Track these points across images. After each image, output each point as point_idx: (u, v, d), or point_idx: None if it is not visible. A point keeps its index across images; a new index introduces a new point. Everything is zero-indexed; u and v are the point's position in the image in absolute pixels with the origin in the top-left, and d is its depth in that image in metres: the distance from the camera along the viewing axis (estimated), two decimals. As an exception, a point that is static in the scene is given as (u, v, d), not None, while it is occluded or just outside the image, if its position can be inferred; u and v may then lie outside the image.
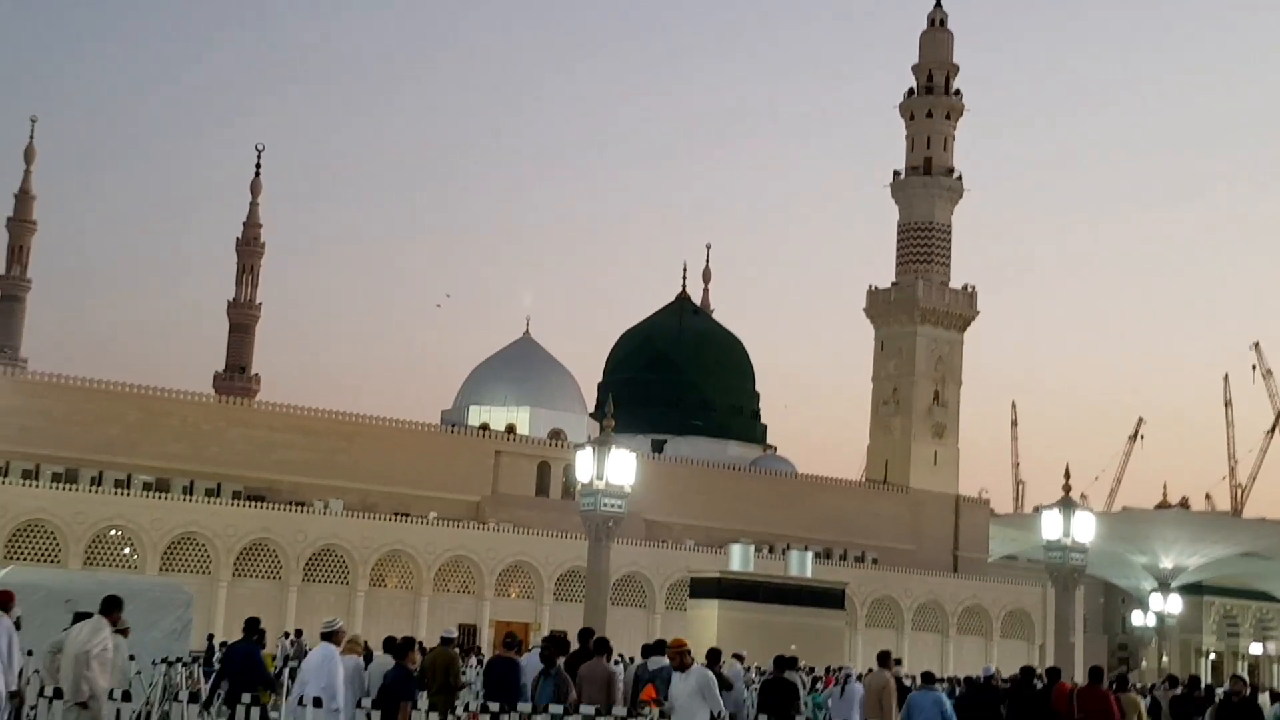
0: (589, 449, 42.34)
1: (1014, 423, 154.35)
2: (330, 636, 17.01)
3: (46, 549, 62.96)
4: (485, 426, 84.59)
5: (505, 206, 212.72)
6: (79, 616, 16.20)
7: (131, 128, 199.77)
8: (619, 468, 41.93)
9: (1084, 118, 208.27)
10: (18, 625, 16.26)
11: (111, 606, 15.93)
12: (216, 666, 27.64)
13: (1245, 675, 22.05)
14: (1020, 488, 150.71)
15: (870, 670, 25.85)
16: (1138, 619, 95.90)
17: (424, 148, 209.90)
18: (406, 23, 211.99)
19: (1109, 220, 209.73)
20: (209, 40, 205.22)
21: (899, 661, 28.10)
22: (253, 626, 18.68)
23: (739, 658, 28.61)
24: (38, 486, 64.29)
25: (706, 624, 56.52)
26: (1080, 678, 47.03)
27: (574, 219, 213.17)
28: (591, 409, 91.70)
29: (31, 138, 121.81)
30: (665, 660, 21.54)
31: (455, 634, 19.99)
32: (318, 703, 16.00)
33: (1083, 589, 77.53)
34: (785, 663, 21.98)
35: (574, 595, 68.50)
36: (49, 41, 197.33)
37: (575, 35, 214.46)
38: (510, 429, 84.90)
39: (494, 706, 16.60)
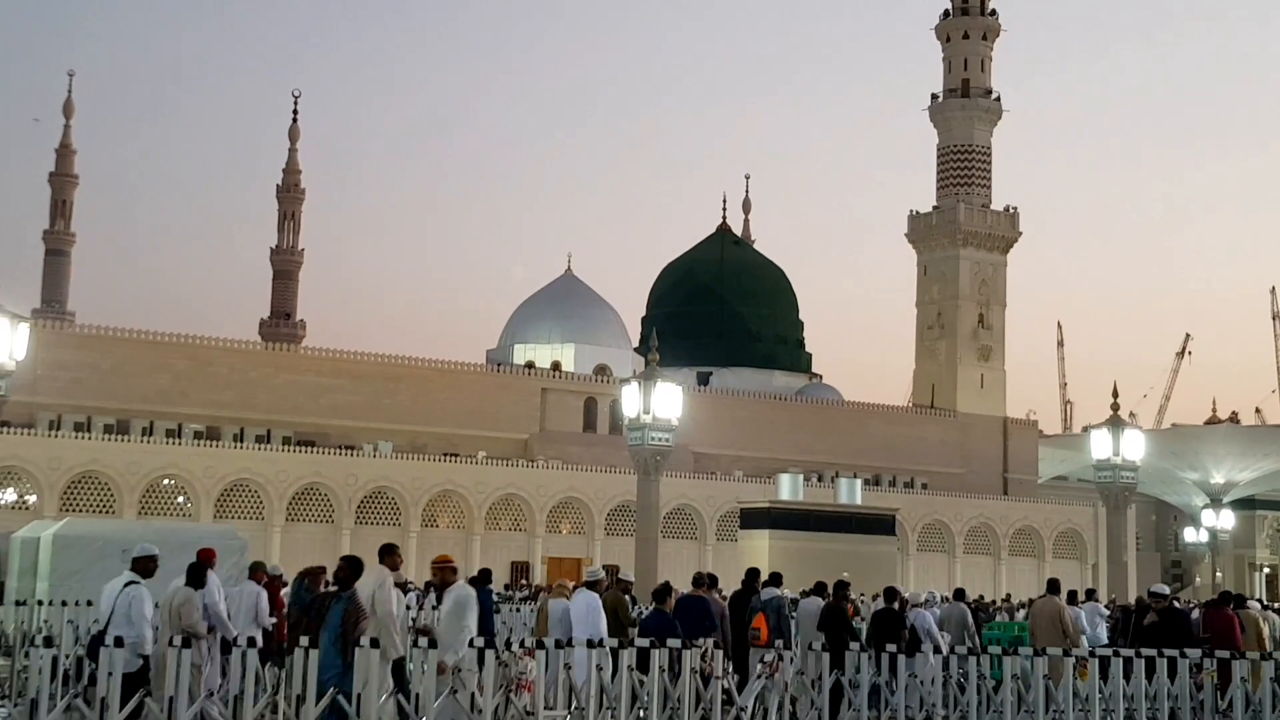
0: (634, 384, 42.34)
1: (1060, 343, 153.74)
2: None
3: (101, 500, 63.75)
4: (531, 364, 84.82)
5: (543, 143, 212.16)
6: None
7: (168, 78, 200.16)
8: (665, 401, 41.94)
9: (1124, 34, 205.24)
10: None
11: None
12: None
13: (1165, 589, 20.62)
14: (1068, 408, 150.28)
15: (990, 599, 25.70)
16: (1190, 536, 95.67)
17: (461, 87, 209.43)
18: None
19: (1150, 136, 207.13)
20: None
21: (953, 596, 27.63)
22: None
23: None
24: (90, 438, 65.00)
25: (758, 554, 56.50)
26: (1134, 596, 46.96)
27: (613, 154, 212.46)
28: (636, 344, 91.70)
29: (70, 92, 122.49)
30: (777, 590, 21.68)
31: (601, 575, 19.77)
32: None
33: (1134, 507, 77.26)
34: (843, 587, 21.95)
35: (625, 530, 68.81)
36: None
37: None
38: (555, 366, 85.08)
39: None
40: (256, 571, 19.18)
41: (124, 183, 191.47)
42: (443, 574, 15.78)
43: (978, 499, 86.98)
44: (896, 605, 21.85)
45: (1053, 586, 23.62)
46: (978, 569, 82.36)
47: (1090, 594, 33.16)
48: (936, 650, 19.44)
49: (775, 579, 22.01)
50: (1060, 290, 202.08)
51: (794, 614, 22.31)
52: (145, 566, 15.60)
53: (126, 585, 15.36)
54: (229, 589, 17.74)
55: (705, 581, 20.04)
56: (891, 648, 18.61)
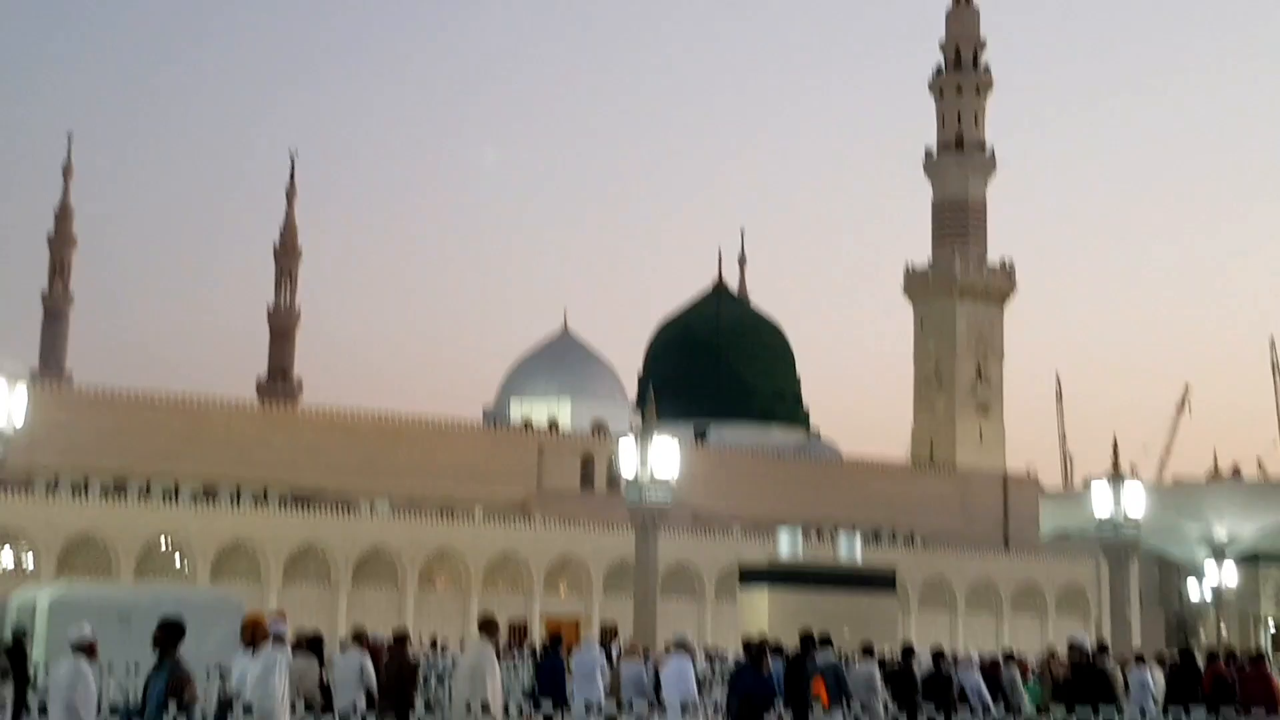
0: (632, 440, 42.17)
1: (1059, 396, 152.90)
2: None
3: (98, 562, 63.29)
4: (528, 422, 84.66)
5: (538, 199, 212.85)
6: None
7: (166, 140, 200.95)
8: (663, 458, 41.76)
9: (1118, 86, 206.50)
10: None
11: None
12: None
13: (1084, 641, 19.97)
14: (1068, 462, 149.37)
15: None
16: (1194, 591, 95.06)
17: (456, 144, 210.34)
18: (435, 20, 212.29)
19: (1146, 187, 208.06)
20: (240, 48, 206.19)
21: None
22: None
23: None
24: (87, 500, 64.69)
25: (757, 611, 56.22)
26: (1137, 651, 46.50)
27: (607, 210, 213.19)
28: (632, 400, 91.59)
29: (69, 154, 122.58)
30: (831, 652, 21.40)
31: (687, 638, 19.85)
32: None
33: (1137, 563, 76.27)
34: (815, 641, 21.43)
35: (623, 588, 68.26)
36: (82, 58, 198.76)
37: (604, 24, 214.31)
38: (552, 423, 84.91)
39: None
40: (359, 637, 19.32)
41: (122, 244, 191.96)
42: (253, 633, 14.89)
43: (979, 555, 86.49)
44: (944, 665, 21.66)
45: (1099, 648, 23.51)
46: (980, 626, 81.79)
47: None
48: (986, 710, 19.37)
49: (828, 641, 21.75)
50: (1058, 343, 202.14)
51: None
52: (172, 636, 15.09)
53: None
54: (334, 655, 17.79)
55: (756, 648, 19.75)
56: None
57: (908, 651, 21.86)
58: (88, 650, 13.49)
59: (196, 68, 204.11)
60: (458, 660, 19.78)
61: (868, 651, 22.16)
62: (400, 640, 18.61)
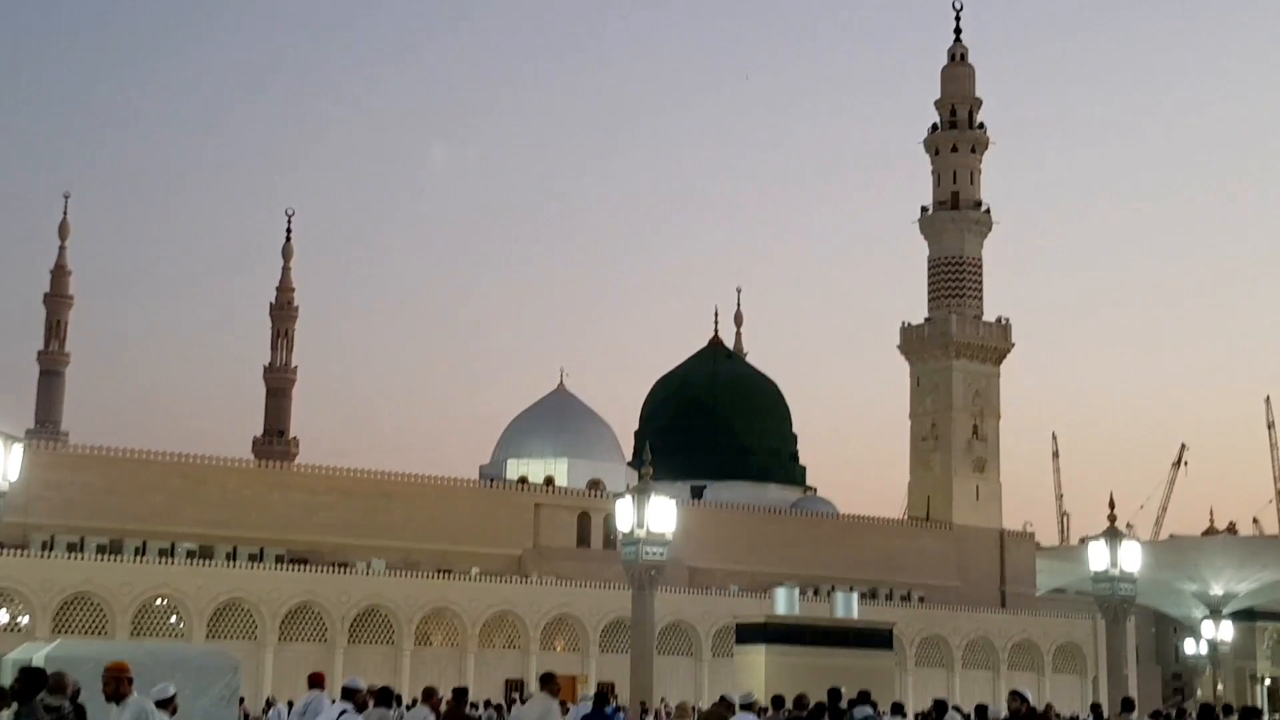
0: (628, 498, 42.24)
1: (1055, 454, 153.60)
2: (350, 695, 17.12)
3: (94, 620, 63.20)
4: (524, 480, 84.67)
5: (534, 259, 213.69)
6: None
7: (161, 199, 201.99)
8: (659, 515, 41.81)
9: (1113, 144, 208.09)
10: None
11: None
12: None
13: (1026, 693, 19.66)
14: (1065, 519, 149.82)
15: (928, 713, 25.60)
16: (1190, 648, 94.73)
17: (452, 204, 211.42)
18: (430, 82, 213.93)
19: (1142, 246, 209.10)
20: (237, 107, 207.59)
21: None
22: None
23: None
24: (82, 559, 64.62)
25: (754, 669, 56.10)
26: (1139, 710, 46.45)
27: (604, 269, 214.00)
28: (629, 458, 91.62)
29: (65, 213, 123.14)
30: (869, 709, 21.60)
31: (754, 698, 20.40)
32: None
33: (1133, 619, 76.75)
34: (840, 696, 21.90)
35: (620, 646, 68.28)
36: (78, 118, 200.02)
37: (599, 83, 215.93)
38: (549, 481, 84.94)
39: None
40: (432, 697, 19.96)
41: (118, 303, 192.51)
42: (117, 684, 14.20)
43: (976, 612, 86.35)
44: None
45: (1127, 705, 23.51)
46: (977, 683, 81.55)
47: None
48: None
49: (864, 697, 21.98)
50: (1055, 401, 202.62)
51: None
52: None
53: (341, 714, 16.13)
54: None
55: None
56: None
57: (940, 706, 22.02)
58: (169, 707, 14.33)
59: (192, 127, 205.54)
60: (518, 715, 20.47)
61: (896, 711, 22.40)
62: (460, 695, 19.07)
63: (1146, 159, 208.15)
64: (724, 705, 19.68)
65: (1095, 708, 24.70)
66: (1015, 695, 18.25)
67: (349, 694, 16.76)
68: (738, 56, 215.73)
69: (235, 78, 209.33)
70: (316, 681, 18.17)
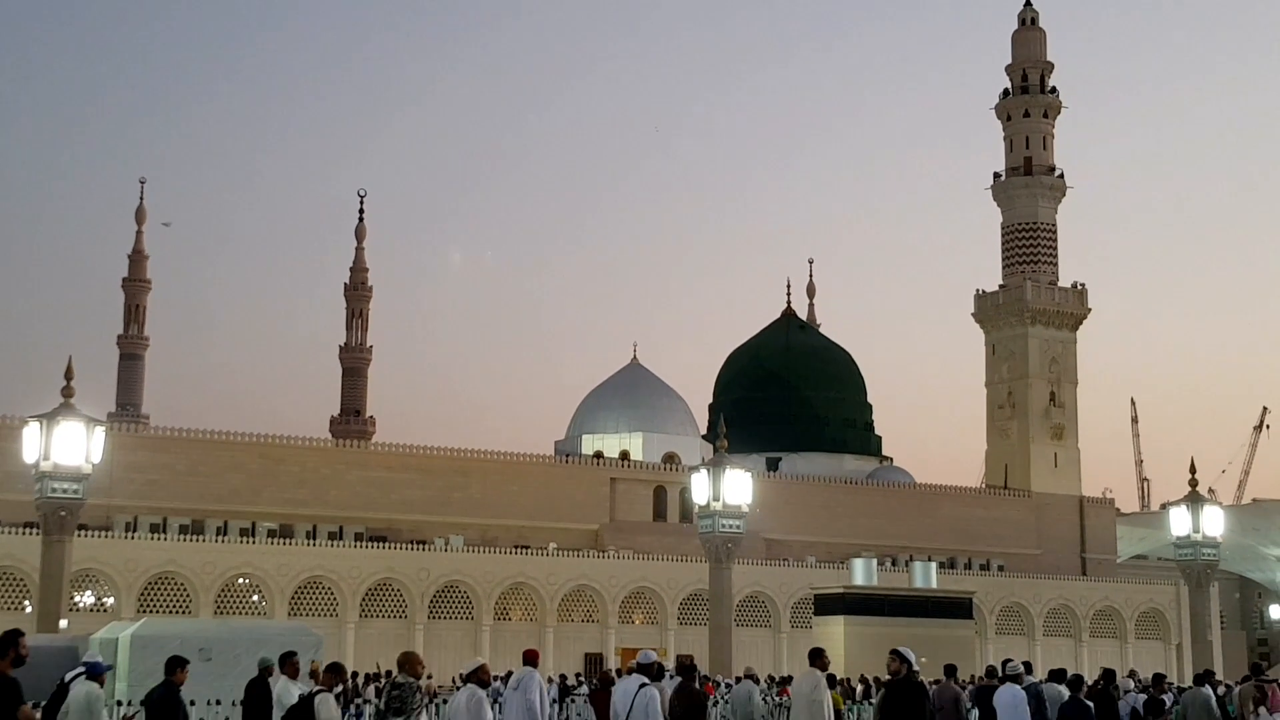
0: (704, 471, 42.31)
1: (1134, 419, 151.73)
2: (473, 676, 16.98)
3: (178, 600, 64.14)
4: (599, 454, 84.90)
5: (608, 233, 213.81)
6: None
7: (236, 182, 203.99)
8: (735, 488, 41.86)
9: (1189, 104, 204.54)
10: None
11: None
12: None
13: (907, 652, 17.62)
14: (1145, 485, 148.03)
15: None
16: (1275, 613, 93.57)
17: (524, 179, 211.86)
18: (503, 60, 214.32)
19: (1219, 205, 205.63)
20: (310, 89, 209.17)
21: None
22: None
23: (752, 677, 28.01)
24: (165, 539, 65.56)
25: (833, 640, 56.08)
26: (1222, 676, 45.83)
27: (675, 242, 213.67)
28: (704, 431, 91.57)
29: (141, 199, 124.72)
30: (1031, 678, 21.92)
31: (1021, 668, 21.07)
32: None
33: (1217, 585, 75.68)
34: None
35: (698, 618, 68.33)
36: (152, 105, 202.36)
37: (672, 56, 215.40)
38: (624, 456, 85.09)
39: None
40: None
41: (195, 285, 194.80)
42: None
43: (1056, 580, 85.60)
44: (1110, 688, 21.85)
45: (1206, 676, 23.28)
46: (1058, 651, 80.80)
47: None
48: None
49: (1027, 667, 22.17)
50: (1133, 366, 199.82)
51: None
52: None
53: (642, 686, 16.41)
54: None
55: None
56: None
57: (1108, 675, 21.95)
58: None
59: (265, 111, 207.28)
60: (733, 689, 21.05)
61: (1054, 677, 22.31)
62: (689, 670, 19.20)
63: (1222, 119, 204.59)
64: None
65: (1157, 679, 24.46)
66: (895, 655, 16.94)
67: (643, 668, 17.15)
68: (809, 26, 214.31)
69: (308, 61, 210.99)
70: (530, 659, 18.42)
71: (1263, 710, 22.03)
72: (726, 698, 30.98)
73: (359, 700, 34.26)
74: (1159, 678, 24.77)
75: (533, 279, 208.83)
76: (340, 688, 19.10)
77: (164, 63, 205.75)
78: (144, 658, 23.89)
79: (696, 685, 20.64)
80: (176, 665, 15.73)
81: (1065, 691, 20.73)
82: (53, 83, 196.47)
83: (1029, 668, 24.21)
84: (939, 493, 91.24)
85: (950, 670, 22.29)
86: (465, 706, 15.60)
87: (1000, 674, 20.93)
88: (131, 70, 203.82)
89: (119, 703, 21.55)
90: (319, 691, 14.95)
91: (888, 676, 17.55)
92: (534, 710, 17.58)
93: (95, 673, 15.42)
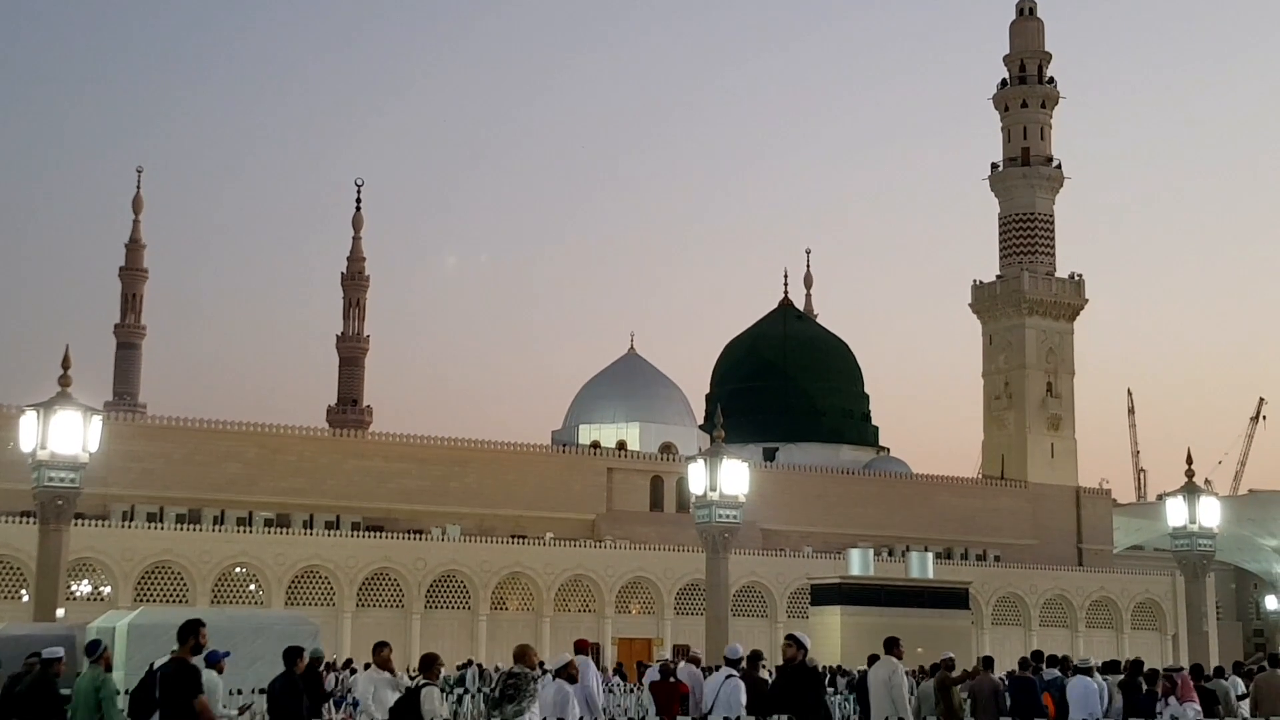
0: (700, 461, 42.32)
1: (1131, 410, 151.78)
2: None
3: (174, 589, 64.16)
4: (596, 444, 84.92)
5: (605, 223, 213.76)
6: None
7: (233, 171, 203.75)
8: (732, 478, 41.87)
9: (1185, 95, 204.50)
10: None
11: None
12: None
13: (802, 637, 16.77)
14: (1142, 476, 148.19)
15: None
16: (1272, 604, 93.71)
17: (522, 169, 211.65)
18: (500, 47, 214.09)
19: (1217, 196, 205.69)
20: (306, 78, 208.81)
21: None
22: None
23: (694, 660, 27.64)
24: (162, 528, 65.55)
25: (830, 630, 56.22)
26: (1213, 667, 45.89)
27: (673, 231, 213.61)
28: (700, 421, 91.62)
29: (138, 187, 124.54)
30: (1057, 671, 22.09)
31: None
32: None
33: (1213, 576, 75.74)
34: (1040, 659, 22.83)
35: (695, 608, 68.38)
36: (149, 94, 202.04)
37: (666, 44, 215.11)
38: (621, 445, 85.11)
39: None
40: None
41: (191, 275, 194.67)
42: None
43: (1052, 570, 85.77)
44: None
45: (1276, 660, 23.36)
46: (1054, 641, 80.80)
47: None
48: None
49: (1056, 659, 22.70)
50: (1130, 357, 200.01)
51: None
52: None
53: (729, 678, 16.92)
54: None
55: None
56: None
57: (1137, 664, 22.21)
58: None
59: (261, 99, 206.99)
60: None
61: (1108, 669, 22.64)
62: (755, 658, 19.87)
63: (1220, 109, 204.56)
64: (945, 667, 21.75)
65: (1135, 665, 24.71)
66: (790, 640, 16.55)
67: (731, 663, 17.71)
68: (806, 14, 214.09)
69: (304, 48, 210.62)
70: (583, 649, 18.86)
71: (1172, 700, 22.00)
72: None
73: (341, 689, 34.21)
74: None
75: (530, 269, 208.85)
76: (443, 680, 19.56)
77: (160, 51, 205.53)
78: (141, 646, 23.93)
79: (760, 675, 21.02)
80: (295, 655, 16.37)
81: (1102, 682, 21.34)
82: (48, 71, 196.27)
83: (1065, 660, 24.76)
84: (935, 483, 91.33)
85: (988, 662, 22.61)
86: (552, 701, 15.70)
87: (1034, 665, 21.51)
88: (128, 59, 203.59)
89: (230, 692, 21.59)
90: (425, 684, 15.20)
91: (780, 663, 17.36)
92: (592, 699, 17.87)
93: (213, 660, 16.52)
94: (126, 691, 21.36)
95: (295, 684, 16.24)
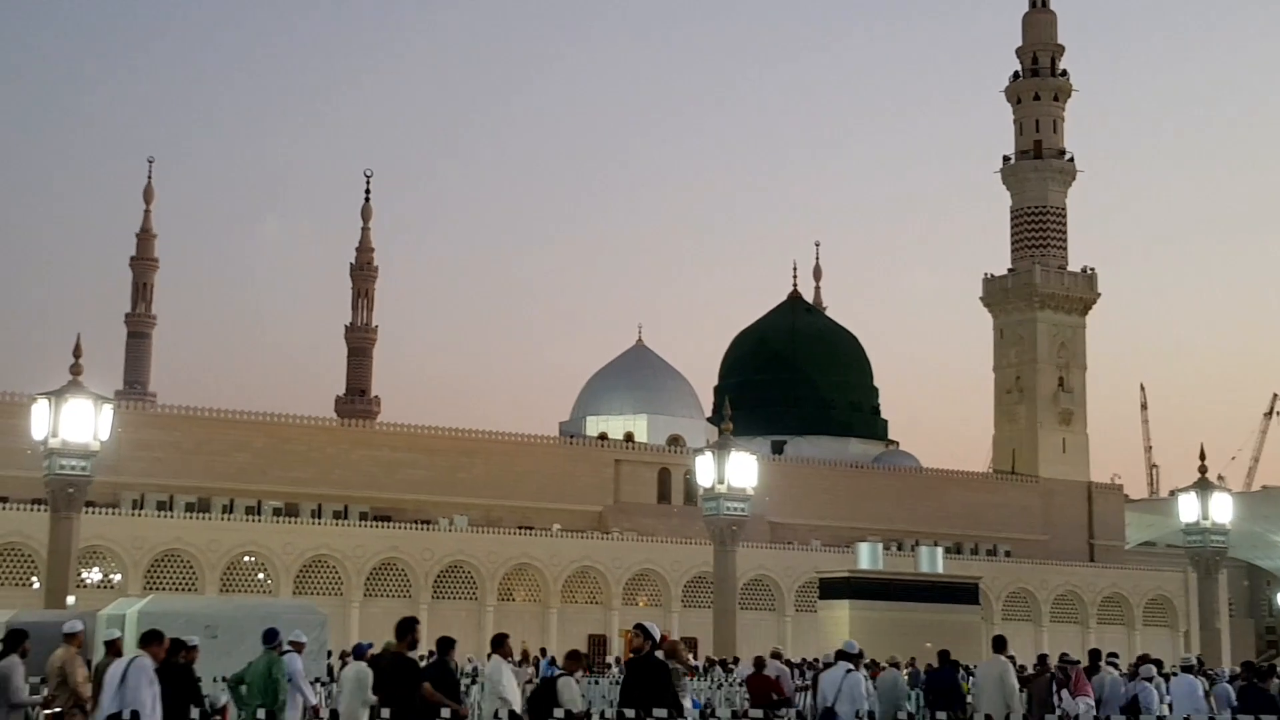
0: (708, 454, 42.14)
1: (1143, 405, 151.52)
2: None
3: (184, 577, 64.18)
4: (603, 436, 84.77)
5: (615, 215, 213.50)
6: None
7: (240, 162, 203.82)
8: (740, 471, 41.69)
9: (1199, 88, 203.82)
10: None
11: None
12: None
13: (651, 627, 15.58)
14: (1154, 471, 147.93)
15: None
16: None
17: (531, 161, 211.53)
18: (511, 35, 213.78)
19: (1230, 191, 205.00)
20: (313, 68, 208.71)
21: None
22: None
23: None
24: (172, 517, 65.57)
25: (838, 624, 55.85)
26: (1229, 664, 45.75)
27: (682, 224, 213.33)
28: (708, 414, 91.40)
29: (149, 178, 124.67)
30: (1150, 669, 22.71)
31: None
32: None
33: (1225, 572, 75.48)
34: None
35: (702, 601, 68.25)
36: (161, 83, 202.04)
37: (677, 36, 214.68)
38: (628, 437, 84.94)
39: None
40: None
41: (201, 265, 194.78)
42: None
43: (1063, 566, 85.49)
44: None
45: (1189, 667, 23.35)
46: (1065, 637, 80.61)
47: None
48: None
49: (1109, 656, 23.09)
50: (1143, 351, 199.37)
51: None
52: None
53: (848, 672, 17.76)
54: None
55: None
56: None
57: (1249, 665, 22.73)
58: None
59: (270, 90, 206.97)
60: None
61: (1185, 668, 22.78)
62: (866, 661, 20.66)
63: (1234, 102, 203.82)
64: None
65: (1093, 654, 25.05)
66: (638, 630, 15.87)
67: (847, 656, 18.37)
68: (818, 9, 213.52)
69: (312, 40, 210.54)
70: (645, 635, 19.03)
71: (1065, 694, 21.85)
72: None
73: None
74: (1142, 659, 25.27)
75: (539, 260, 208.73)
76: (580, 673, 19.98)
77: (171, 42, 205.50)
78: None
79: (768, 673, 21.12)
80: (449, 645, 17.57)
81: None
82: (60, 62, 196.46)
83: (1096, 655, 24.90)
84: (946, 477, 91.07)
85: (1042, 659, 22.92)
86: None
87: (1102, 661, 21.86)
88: (139, 49, 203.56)
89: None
90: (561, 675, 15.49)
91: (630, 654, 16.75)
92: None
93: (360, 653, 18.94)
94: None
95: (447, 669, 16.99)
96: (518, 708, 16.45)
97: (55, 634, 17.79)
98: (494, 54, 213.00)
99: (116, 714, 14.66)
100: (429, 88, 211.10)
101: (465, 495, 75.08)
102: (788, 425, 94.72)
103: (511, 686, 17.38)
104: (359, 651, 18.93)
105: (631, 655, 16.43)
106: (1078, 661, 23.61)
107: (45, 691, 16.75)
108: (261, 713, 16.69)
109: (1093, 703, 21.30)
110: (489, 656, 17.96)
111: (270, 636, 18.34)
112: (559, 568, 71.20)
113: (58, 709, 16.41)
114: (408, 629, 16.12)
